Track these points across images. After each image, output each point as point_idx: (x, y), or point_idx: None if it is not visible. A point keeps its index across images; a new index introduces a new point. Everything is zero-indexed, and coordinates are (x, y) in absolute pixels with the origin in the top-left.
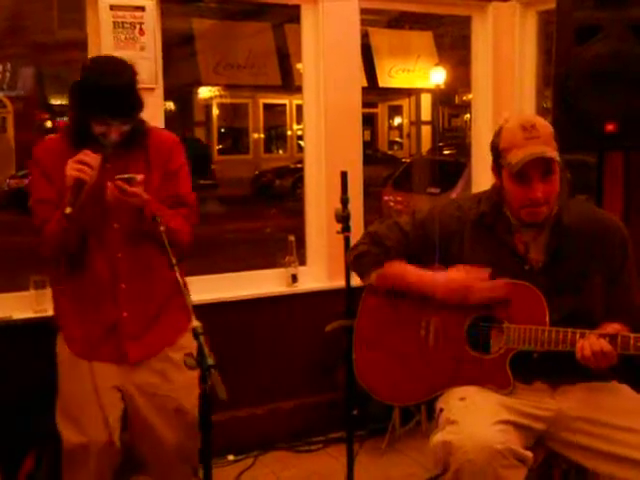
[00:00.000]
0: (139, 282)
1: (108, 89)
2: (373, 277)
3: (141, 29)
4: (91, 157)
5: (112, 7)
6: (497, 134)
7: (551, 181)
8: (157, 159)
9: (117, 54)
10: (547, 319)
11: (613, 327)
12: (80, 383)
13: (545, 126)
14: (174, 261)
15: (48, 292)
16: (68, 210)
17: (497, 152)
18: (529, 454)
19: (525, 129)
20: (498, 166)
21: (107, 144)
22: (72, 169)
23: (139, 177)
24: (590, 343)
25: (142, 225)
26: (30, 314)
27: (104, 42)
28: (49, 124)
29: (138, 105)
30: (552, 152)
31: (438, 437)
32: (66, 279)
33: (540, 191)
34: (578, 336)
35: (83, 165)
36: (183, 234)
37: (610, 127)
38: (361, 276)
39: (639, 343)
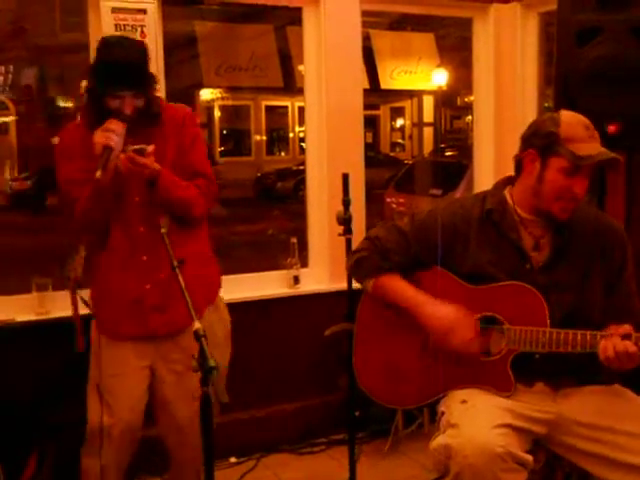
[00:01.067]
0: (160, 254)
1: (118, 61)
2: (370, 286)
3: (142, 32)
4: (116, 124)
5: (114, 10)
6: (552, 123)
7: (589, 177)
8: (171, 132)
9: None
10: (548, 321)
11: (624, 328)
12: (109, 365)
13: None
14: (175, 263)
15: (50, 294)
16: (98, 174)
17: (555, 139)
18: (529, 458)
19: (587, 128)
20: (547, 152)
21: (123, 118)
22: (99, 137)
23: (150, 148)
24: (614, 344)
25: (155, 197)
26: (32, 316)
27: None
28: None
29: (150, 79)
30: (614, 153)
31: (439, 440)
32: (94, 255)
33: (583, 187)
34: (579, 337)
35: (109, 132)
36: (195, 206)
37: (612, 128)
38: (360, 282)
39: None
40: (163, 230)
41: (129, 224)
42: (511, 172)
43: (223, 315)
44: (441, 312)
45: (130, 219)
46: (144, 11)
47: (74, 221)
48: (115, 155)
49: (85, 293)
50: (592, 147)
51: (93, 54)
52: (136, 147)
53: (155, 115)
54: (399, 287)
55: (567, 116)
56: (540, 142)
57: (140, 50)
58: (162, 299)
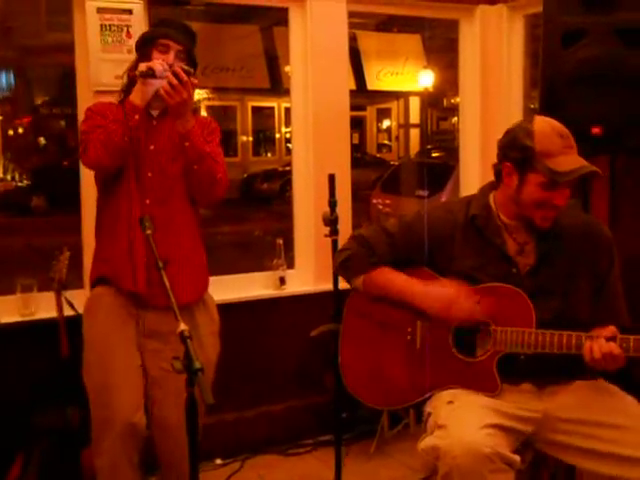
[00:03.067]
0: (164, 229)
1: (173, 21)
2: (360, 282)
3: (128, 32)
4: (162, 62)
5: (99, 10)
6: (526, 135)
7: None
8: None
9: (104, 57)
10: (534, 322)
11: (609, 330)
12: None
13: (572, 136)
14: (161, 264)
15: (35, 296)
16: (143, 66)
17: (530, 154)
18: (517, 458)
19: (562, 137)
20: (524, 167)
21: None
22: (143, 64)
23: (195, 81)
24: (600, 345)
25: (185, 146)
26: (17, 318)
27: (91, 45)
28: (36, 127)
29: (194, 58)
30: (593, 166)
31: (426, 442)
32: (101, 220)
33: (564, 199)
34: (565, 339)
35: (155, 61)
36: (218, 171)
37: (596, 130)
38: (348, 280)
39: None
40: (148, 232)
41: (138, 194)
42: None
43: (213, 315)
44: (438, 289)
45: (140, 191)
46: (130, 11)
47: (93, 147)
48: (156, 84)
49: (70, 294)
50: (570, 160)
51: (79, 54)
52: (184, 66)
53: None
54: (390, 278)
55: (541, 125)
56: (516, 156)
57: (189, 27)
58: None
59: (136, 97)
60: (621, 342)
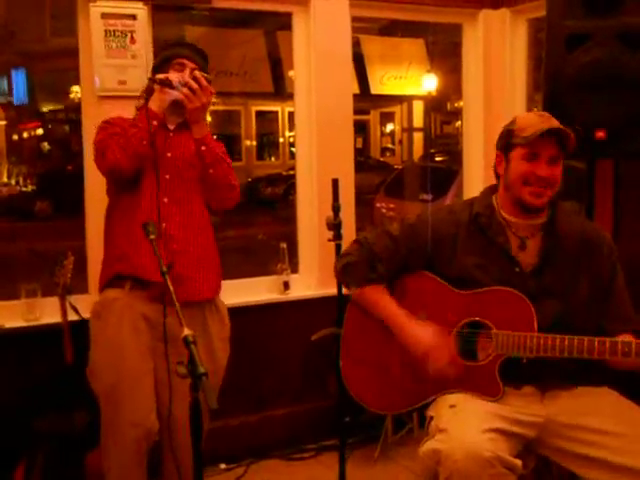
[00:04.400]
0: (183, 226)
1: (188, 43)
2: (354, 294)
3: (132, 37)
4: (178, 74)
5: (103, 15)
6: (511, 122)
7: (557, 167)
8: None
9: (108, 62)
10: (535, 326)
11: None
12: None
13: (553, 118)
14: (164, 268)
15: (39, 301)
16: (161, 76)
17: (509, 134)
18: (518, 462)
19: (541, 116)
20: (507, 148)
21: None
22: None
23: (213, 90)
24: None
25: (201, 149)
26: (21, 323)
27: (95, 50)
28: (40, 131)
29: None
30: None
31: (428, 445)
32: (113, 221)
33: (546, 171)
34: (567, 342)
35: (171, 73)
36: (232, 176)
37: (600, 134)
38: (346, 287)
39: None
40: (152, 237)
41: (156, 194)
42: None
43: (224, 320)
44: (417, 336)
45: (159, 191)
46: (134, 17)
47: (111, 151)
48: (173, 94)
49: (74, 299)
50: (542, 126)
51: (83, 59)
52: (204, 74)
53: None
54: (381, 303)
55: (524, 113)
56: (501, 142)
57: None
58: (180, 268)
59: (154, 104)
60: (623, 346)
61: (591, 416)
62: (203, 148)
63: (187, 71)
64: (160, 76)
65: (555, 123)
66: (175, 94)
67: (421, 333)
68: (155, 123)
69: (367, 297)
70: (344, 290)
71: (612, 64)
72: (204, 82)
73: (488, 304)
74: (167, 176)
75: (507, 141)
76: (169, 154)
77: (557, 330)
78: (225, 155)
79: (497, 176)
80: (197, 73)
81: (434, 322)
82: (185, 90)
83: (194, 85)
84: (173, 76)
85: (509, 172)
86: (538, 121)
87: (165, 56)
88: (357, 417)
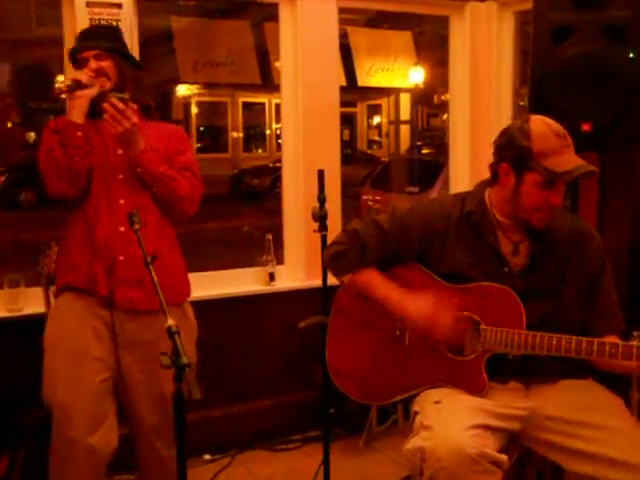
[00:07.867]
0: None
1: (85, 30)
2: (346, 280)
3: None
4: (87, 73)
5: (88, 4)
6: (523, 135)
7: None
8: (165, 133)
9: None
10: (524, 322)
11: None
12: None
13: (568, 135)
14: (149, 259)
15: (23, 291)
16: (68, 82)
17: (527, 154)
18: (504, 457)
19: (559, 136)
20: (521, 167)
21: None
22: (67, 80)
23: (134, 106)
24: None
25: (137, 169)
26: (4, 313)
27: None
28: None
29: (118, 41)
30: (591, 165)
31: (412, 443)
32: (71, 221)
33: (560, 198)
34: (555, 341)
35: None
36: (179, 189)
37: (585, 127)
38: (336, 276)
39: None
40: (136, 227)
41: (110, 195)
42: (486, 170)
43: (193, 325)
44: (418, 302)
45: (113, 192)
46: (119, 5)
47: (49, 181)
48: (87, 94)
49: None
50: (567, 160)
51: (68, 48)
52: (118, 95)
53: (146, 106)
54: (376, 284)
55: (537, 125)
56: (513, 156)
57: (110, 26)
58: (133, 274)
59: (71, 114)
60: (610, 347)
61: (576, 408)
62: (139, 170)
63: (92, 62)
64: (67, 83)
65: (572, 148)
66: (92, 92)
67: (421, 299)
68: (80, 134)
69: (360, 281)
70: (331, 281)
71: (598, 57)
72: (121, 105)
73: (477, 299)
74: (120, 176)
75: (521, 158)
76: (120, 151)
77: (544, 330)
78: (191, 157)
79: (495, 178)
80: (113, 99)
81: None
82: (108, 118)
83: (112, 112)
84: (80, 74)
85: (520, 194)
86: (558, 145)
87: (70, 58)
88: (342, 408)
